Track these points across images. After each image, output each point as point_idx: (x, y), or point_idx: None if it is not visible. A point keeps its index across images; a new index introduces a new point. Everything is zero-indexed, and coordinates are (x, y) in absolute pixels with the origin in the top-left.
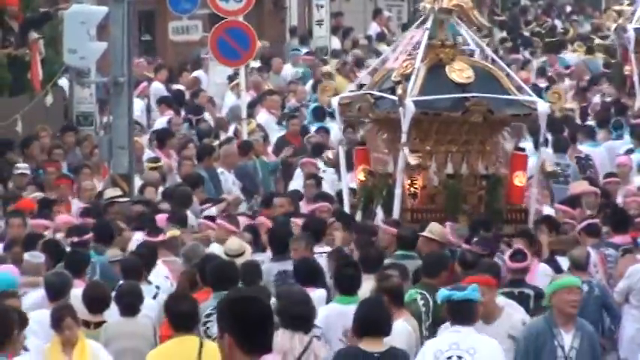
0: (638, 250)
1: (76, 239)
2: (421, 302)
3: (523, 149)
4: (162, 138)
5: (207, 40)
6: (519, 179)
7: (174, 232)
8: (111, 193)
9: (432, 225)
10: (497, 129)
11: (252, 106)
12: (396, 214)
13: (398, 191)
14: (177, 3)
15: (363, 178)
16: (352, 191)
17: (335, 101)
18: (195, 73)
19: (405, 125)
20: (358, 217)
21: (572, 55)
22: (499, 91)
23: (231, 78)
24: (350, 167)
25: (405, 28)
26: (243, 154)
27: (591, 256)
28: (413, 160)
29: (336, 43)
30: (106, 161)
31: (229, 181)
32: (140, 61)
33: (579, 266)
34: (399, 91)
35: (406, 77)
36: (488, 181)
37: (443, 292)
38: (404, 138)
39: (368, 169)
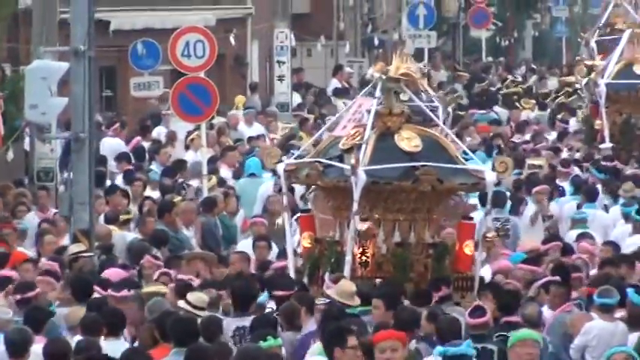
0: (593, 306)
1: (18, 297)
2: None
3: (471, 218)
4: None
5: (169, 96)
6: (469, 248)
7: (158, 287)
8: (75, 248)
9: (342, 283)
10: (445, 198)
11: (212, 162)
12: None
13: (348, 258)
14: (138, 59)
15: (309, 245)
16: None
17: (281, 168)
18: (157, 129)
19: (356, 194)
20: (305, 282)
21: (500, 110)
22: (446, 160)
23: (189, 133)
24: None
25: (364, 84)
26: (207, 211)
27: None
28: (361, 226)
29: (297, 99)
30: (67, 217)
31: (189, 238)
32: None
33: (532, 323)
34: (352, 160)
35: (357, 146)
36: (435, 250)
37: (439, 349)
38: (355, 207)
39: (313, 236)
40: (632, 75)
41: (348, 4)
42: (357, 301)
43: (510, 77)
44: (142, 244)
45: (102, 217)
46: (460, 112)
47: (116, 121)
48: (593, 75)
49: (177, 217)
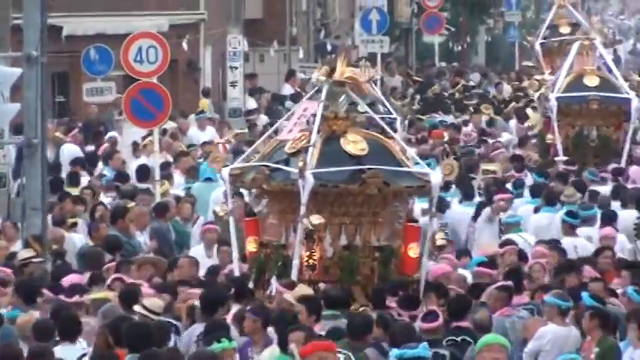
0: (546, 309)
1: None
2: None
3: (416, 221)
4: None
5: (122, 101)
6: (413, 251)
7: (105, 294)
8: (25, 254)
9: (298, 288)
10: (390, 201)
11: (165, 168)
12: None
13: (296, 262)
14: (91, 65)
15: (254, 249)
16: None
17: (225, 172)
18: (109, 134)
19: (304, 197)
20: (251, 286)
21: (446, 116)
22: (392, 163)
23: (143, 138)
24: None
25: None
26: (160, 216)
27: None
28: (317, 220)
29: (252, 104)
30: (19, 222)
31: (142, 243)
32: (52, 126)
33: (482, 328)
34: (300, 163)
35: (303, 149)
36: (382, 253)
37: (395, 352)
38: (303, 210)
39: (258, 240)
40: (583, 87)
41: (301, 9)
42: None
43: (463, 82)
44: (96, 250)
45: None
46: (420, 117)
47: (74, 127)
48: (543, 89)
49: (130, 222)
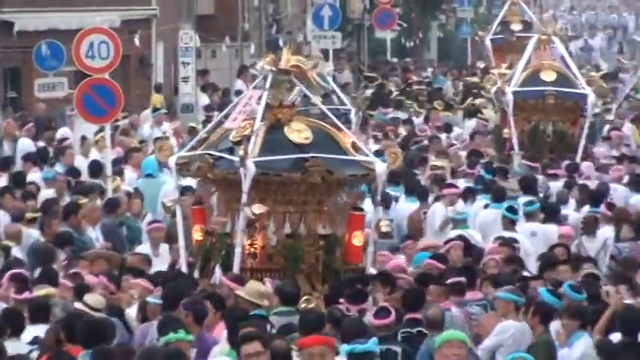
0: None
1: None
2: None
3: (361, 209)
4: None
5: (73, 97)
6: (358, 239)
7: (48, 290)
8: None
9: (250, 283)
10: (336, 189)
11: (116, 164)
12: (236, 270)
13: (238, 250)
14: (43, 60)
15: (200, 238)
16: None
17: (172, 160)
18: (61, 131)
19: (245, 186)
20: (196, 275)
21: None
22: (337, 152)
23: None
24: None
25: None
26: (110, 212)
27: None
28: (258, 209)
29: (205, 100)
30: None
31: (94, 239)
32: (9, 121)
33: (435, 325)
34: (240, 151)
35: (246, 138)
36: (326, 241)
37: (345, 347)
38: (244, 198)
39: (205, 229)
40: (540, 82)
41: (253, 5)
42: (266, 302)
43: (415, 78)
44: (46, 246)
45: (8, 217)
46: (370, 113)
47: (29, 121)
48: (499, 83)
49: (83, 218)
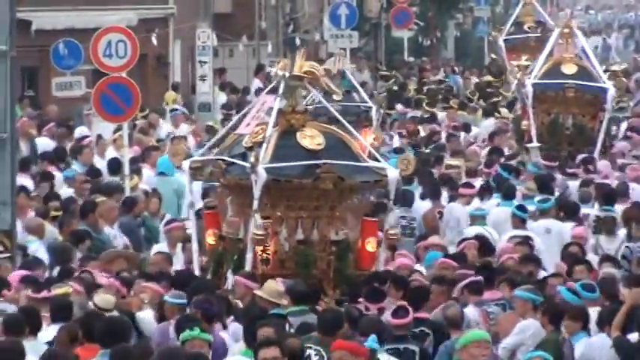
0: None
1: None
2: (316, 358)
3: (373, 215)
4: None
5: (91, 95)
6: (371, 245)
7: (66, 289)
8: None
9: (267, 283)
10: (348, 195)
11: (134, 163)
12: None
13: (249, 256)
14: (60, 59)
15: (213, 242)
16: None
17: (186, 165)
18: (78, 130)
19: (256, 192)
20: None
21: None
22: (349, 158)
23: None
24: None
25: None
26: (128, 211)
27: (473, 314)
28: (259, 230)
29: (223, 99)
30: None
31: (112, 237)
32: (25, 120)
33: (454, 325)
34: (252, 158)
35: (258, 143)
36: (338, 247)
37: None
38: (255, 205)
39: (218, 233)
40: (560, 75)
41: (270, 4)
42: (284, 301)
43: (437, 77)
44: (64, 245)
45: (32, 212)
46: (389, 112)
47: (46, 121)
48: (519, 75)
49: (100, 217)
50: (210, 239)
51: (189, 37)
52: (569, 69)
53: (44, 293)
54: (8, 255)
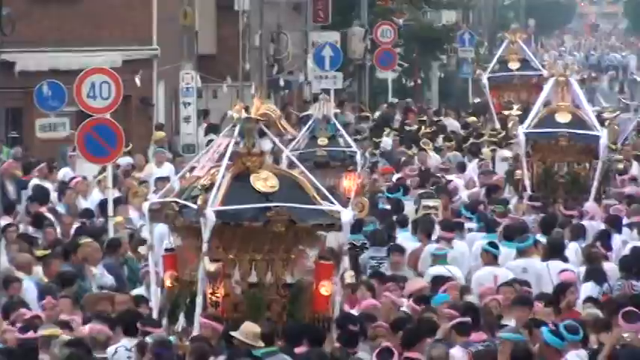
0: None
1: None
2: None
3: (328, 258)
4: None
5: (75, 137)
6: (325, 288)
7: (53, 330)
8: None
9: (245, 325)
10: (303, 238)
11: (117, 203)
12: (196, 322)
13: (199, 300)
14: (44, 100)
15: (170, 285)
16: None
17: (146, 207)
18: (62, 171)
19: (205, 235)
20: (164, 322)
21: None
22: (303, 201)
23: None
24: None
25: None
26: (112, 252)
27: (460, 355)
28: (212, 267)
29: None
30: None
31: (98, 277)
32: (10, 162)
33: None
34: (199, 201)
35: (211, 186)
36: (292, 290)
37: None
38: (205, 247)
39: (175, 275)
40: (554, 123)
41: (254, 45)
42: (260, 342)
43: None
44: (49, 286)
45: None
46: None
47: (39, 161)
48: (510, 125)
49: (84, 259)
50: (167, 282)
51: (173, 79)
52: (563, 117)
53: (30, 334)
54: None
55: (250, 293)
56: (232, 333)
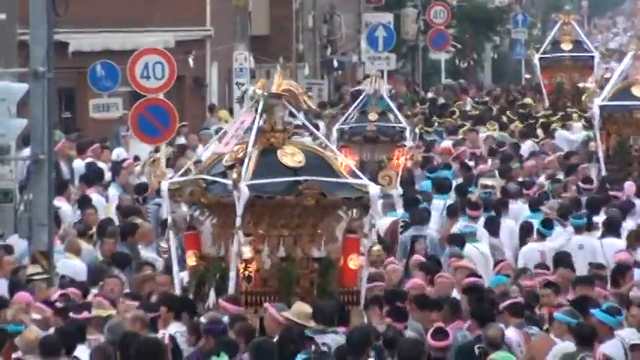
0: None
1: None
2: None
3: (355, 232)
4: None
5: (128, 117)
6: (353, 262)
7: (105, 311)
8: (31, 270)
9: (296, 306)
10: (329, 212)
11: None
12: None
13: (232, 274)
14: (97, 81)
15: (194, 263)
16: None
17: (164, 186)
18: (116, 151)
19: (239, 209)
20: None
21: None
22: (330, 175)
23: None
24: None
25: (322, 106)
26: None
27: (515, 336)
28: (247, 254)
29: None
30: (26, 238)
31: (150, 260)
32: (64, 141)
33: (494, 345)
34: (234, 175)
35: (239, 161)
36: (321, 264)
37: None
38: (238, 222)
39: (199, 254)
40: (630, 97)
41: (307, 26)
42: (312, 322)
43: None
44: (101, 266)
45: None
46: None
47: (93, 141)
48: (584, 97)
49: (138, 239)
50: (190, 260)
51: (227, 59)
52: (639, 91)
53: (85, 314)
54: (46, 276)
55: (280, 267)
56: (284, 313)
